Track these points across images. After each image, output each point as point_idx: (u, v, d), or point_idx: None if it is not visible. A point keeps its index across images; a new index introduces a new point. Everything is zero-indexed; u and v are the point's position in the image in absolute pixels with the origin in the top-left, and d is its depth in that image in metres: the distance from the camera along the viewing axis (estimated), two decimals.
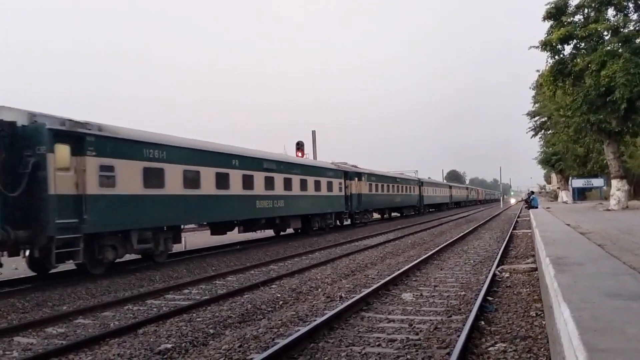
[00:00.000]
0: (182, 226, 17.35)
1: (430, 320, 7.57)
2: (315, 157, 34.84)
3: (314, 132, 36.89)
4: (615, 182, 24.67)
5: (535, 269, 11.25)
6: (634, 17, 23.09)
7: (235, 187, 18.71)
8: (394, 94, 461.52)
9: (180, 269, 14.37)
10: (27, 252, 11.80)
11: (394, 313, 8.21)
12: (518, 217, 37.78)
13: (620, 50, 21.55)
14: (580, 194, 52.64)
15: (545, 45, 23.46)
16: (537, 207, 34.59)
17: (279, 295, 10.14)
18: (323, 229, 27.28)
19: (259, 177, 20.35)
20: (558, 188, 63.74)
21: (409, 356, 5.87)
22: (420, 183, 52.58)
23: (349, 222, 32.45)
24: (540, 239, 10.26)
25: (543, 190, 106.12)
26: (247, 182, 19.51)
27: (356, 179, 32.35)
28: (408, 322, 7.47)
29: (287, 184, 22.80)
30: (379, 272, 12.63)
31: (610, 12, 23.48)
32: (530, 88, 45.58)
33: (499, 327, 7.04)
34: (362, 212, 33.80)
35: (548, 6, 23.88)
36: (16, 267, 14.63)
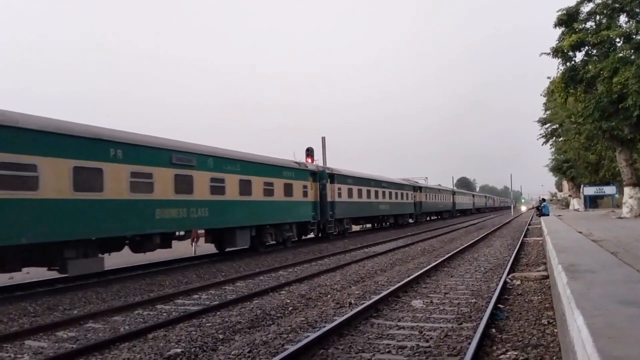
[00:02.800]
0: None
1: (441, 327, 7.52)
2: (325, 162, 34.84)
3: (323, 139, 36.89)
4: (627, 190, 24.40)
5: (547, 277, 11.15)
6: None
7: (372, 197, 34.36)
8: (400, 96, 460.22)
9: (189, 274, 14.41)
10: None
11: (403, 320, 8.17)
12: (529, 224, 37.51)
13: (632, 57, 21.36)
14: (592, 202, 52.10)
15: (557, 52, 23.31)
16: (548, 215, 34.30)
17: (288, 301, 10.12)
18: (402, 224, 41.92)
19: (380, 191, 35.77)
20: (569, 196, 63.16)
21: None
22: (453, 192, 67.26)
23: (412, 221, 45.33)
24: (552, 246, 10.16)
25: (554, 197, 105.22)
26: (377, 195, 35.13)
27: (419, 191, 47.29)
28: (418, 329, 7.42)
29: (390, 195, 38.00)
30: (389, 278, 12.58)
31: (623, 18, 23.32)
32: (541, 95, 45.18)
33: (511, 335, 6.98)
34: (421, 214, 48.12)
35: (559, 13, 23.74)
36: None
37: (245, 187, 18.97)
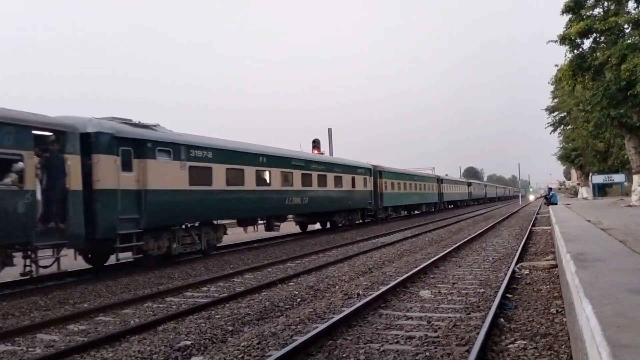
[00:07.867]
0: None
1: (449, 317, 7.53)
2: (331, 153, 34.83)
3: (329, 130, 36.88)
4: (636, 178, 24.22)
5: (555, 266, 11.12)
6: None
7: (452, 190, 60.52)
8: (401, 93, 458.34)
9: (198, 267, 14.49)
10: None
11: (412, 310, 8.18)
12: (537, 213, 37.37)
13: None
14: (601, 190, 51.76)
15: (564, 39, 23.07)
16: (556, 204, 34.14)
17: (296, 292, 10.16)
18: (460, 206, 63.87)
19: (455, 186, 62.50)
20: (578, 184, 62.76)
21: (427, 353, 5.85)
22: (485, 185, 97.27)
23: (466, 204, 68.84)
24: (560, 235, 10.12)
25: (563, 186, 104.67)
26: (453, 188, 61.12)
27: (469, 185, 72.84)
28: (426, 320, 7.44)
29: (458, 189, 63.67)
30: (397, 269, 12.59)
31: (631, 4, 23.05)
32: (548, 83, 44.70)
33: (519, 325, 6.98)
34: (470, 200, 72.22)
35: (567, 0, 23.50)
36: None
37: (426, 187, 45.67)
